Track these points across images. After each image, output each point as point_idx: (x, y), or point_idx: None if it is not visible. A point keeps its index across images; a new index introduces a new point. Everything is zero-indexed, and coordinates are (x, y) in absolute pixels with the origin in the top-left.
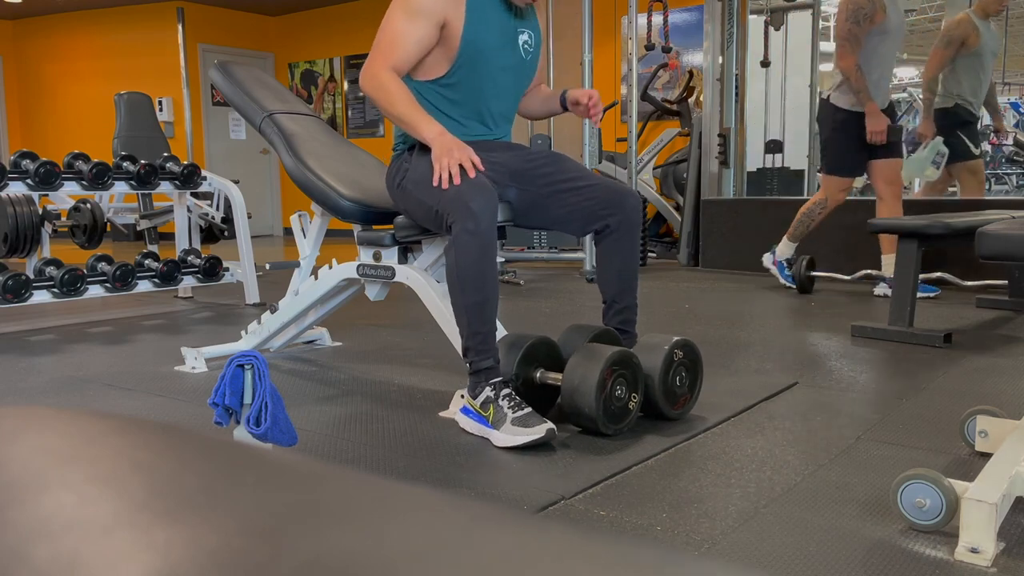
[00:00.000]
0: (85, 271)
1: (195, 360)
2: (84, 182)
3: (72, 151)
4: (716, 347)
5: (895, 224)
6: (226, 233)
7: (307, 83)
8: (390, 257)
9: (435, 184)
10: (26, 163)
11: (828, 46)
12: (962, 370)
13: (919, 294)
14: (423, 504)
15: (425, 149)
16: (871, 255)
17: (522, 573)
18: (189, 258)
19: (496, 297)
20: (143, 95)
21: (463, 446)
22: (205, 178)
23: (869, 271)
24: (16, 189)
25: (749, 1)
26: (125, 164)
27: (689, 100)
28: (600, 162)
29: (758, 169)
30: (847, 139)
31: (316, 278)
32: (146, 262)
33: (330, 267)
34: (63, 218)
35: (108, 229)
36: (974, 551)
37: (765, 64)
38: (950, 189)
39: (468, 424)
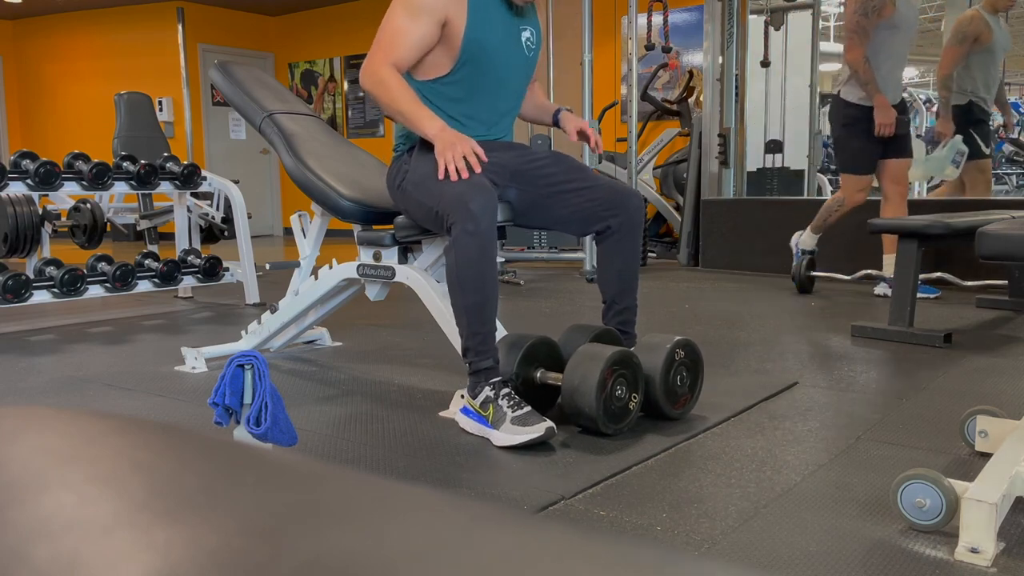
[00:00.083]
0: (85, 271)
1: (195, 360)
2: (84, 182)
3: (72, 151)
4: (716, 347)
5: (895, 224)
6: (226, 233)
7: (307, 83)
8: (390, 257)
9: (440, 177)
10: (26, 163)
11: (828, 46)
12: (962, 370)
13: (919, 295)
14: (423, 504)
15: (425, 150)
16: (871, 255)
17: (522, 573)
18: (189, 258)
19: (496, 297)
20: (143, 95)
21: (463, 446)
22: (205, 178)
23: (869, 271)
24: (16, 189)
25: (749, 1)
26: (125, 164)
27: (689, 100)
28: (600, 162)
29: (758, 169)
30: (858, 134)
31: (316, 278)
32: (146, 262)
33: (330, 267)
34: (63, 218)
35: (108, 229)
36: (974, 551)
37: (765, 64)
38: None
39: (468, 424)
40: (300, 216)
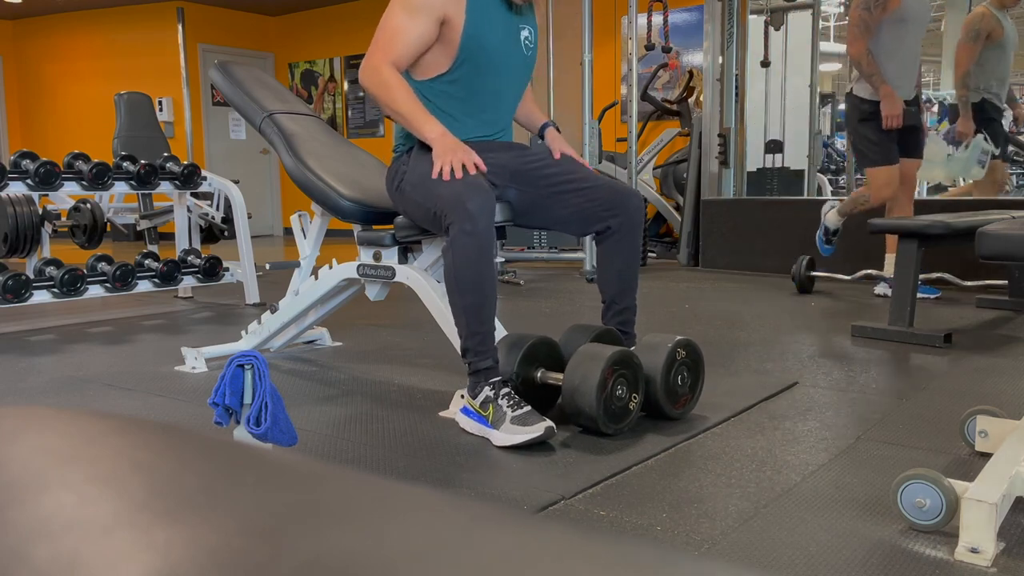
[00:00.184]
0: (85, 271)
1: (195, 360)
2: (84, 182)
3: (72, 151)
4: (716, 347)
5: (895, 224)
6: (226, 233)
7: (307, 83)
8: (390, 257)
9: (434, 176)
10: (26, 163)
11: (828, 46)
12: (962, 370)
13: (919, 295)
14: (423, 504)
15: (423, 151)
16: (871, 255)
17: (522, 573)
18: (189, 258)
19: (494, 298)
20: (143, 95)
21: (463, 446)
22: (205, 178)
23: (869, 271)
24: (16, 189)
25: (749, 1)
26: (125, 164)
27: (689, 100)
28: (600, 162)
29: (758, 169)
30: (876, 127)
31: (316, 278)
32: (146, 262)
33: (330, 267)
34: (63, 218)
35: (108, 229)
36: (974, 551)
37: (765, 64)
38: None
39: (468, 424)
40: (300, 216)
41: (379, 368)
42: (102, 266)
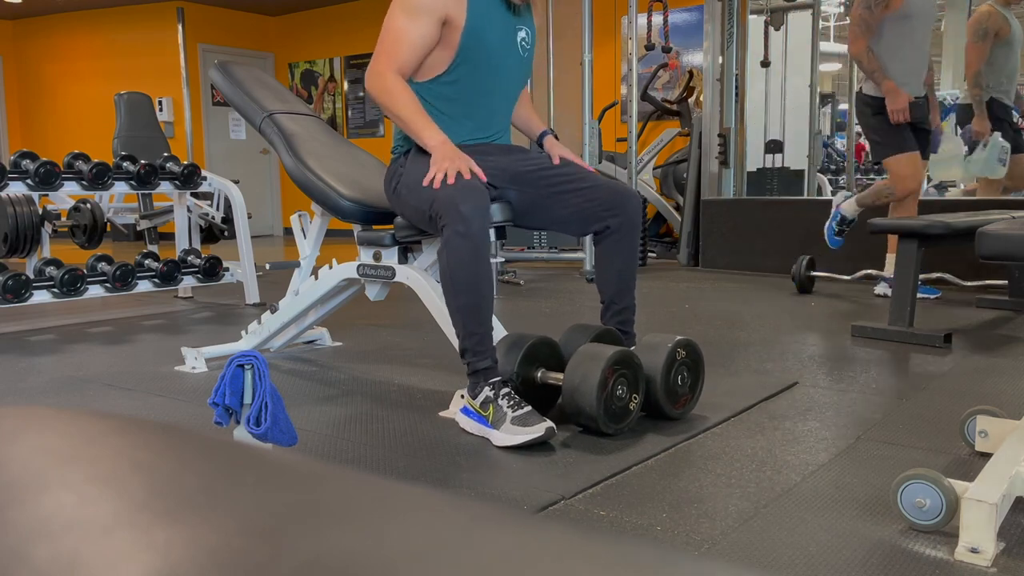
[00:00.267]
0: (85, 271)
1: (195, 360)
2: (84, 182)
3: (72, 151)
4: (716, 347)
5: (895, 224)
6: (226, 233)
7: (307, 83)
8: (390, 257)
9: (425, 184)
10: (26, 163)
11: (828, 46)
12: (962, 370)
13: (919, 296)
14: (423, 504)
15: (420, 153)
16: (871, 255)
17: (522, 573)
18: (189, 258)
19: (491, 298)
20: (143, 95)
21: (463, 446)
22: (205, 178)
23: (869, 271)
24: (16, 189)
25: (749, 1)
26: (125, 164)
27: (689, 100)
28: (600, 162)
29: (758, 169)
30: (886, 119)
31: (316, 278)
32: (146, 262)
33: (330, 267)
34: (63, 218)
35: (108, 229)
36: (974, 551)
37: (765, 64)
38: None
39: (468, 424)
40: (300, 216)
41: (379, 368)
42: (102, 266)
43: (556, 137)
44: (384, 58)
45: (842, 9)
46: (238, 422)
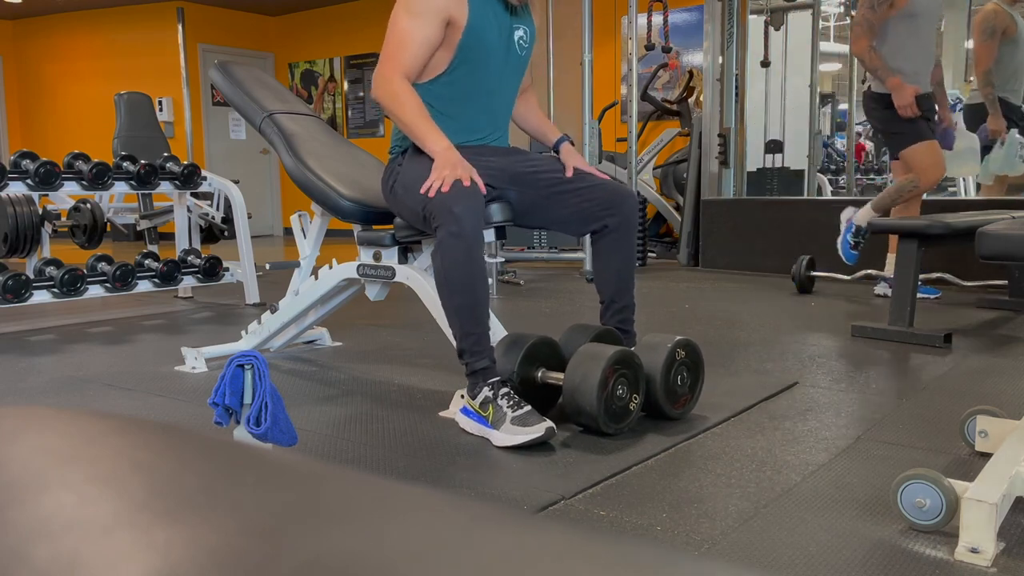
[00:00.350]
0: (85, 271)
1: (195, 360)
2: (84, 182)
3: (72, 151)
4: (716, 347)
5: (895, 224)
6: (226, 233)
7: (307, 83)
8: (390, 257)
9: (422, 191)
10: (26, 163)
11: (828, 46)
12: (962, 370)
13: (919, 296)
14: (423, 504)
15: (417, 154)
16: (872, 255)
17: (522, 573)
18: (189, 258)
19: (487, 298)
20: (143, 95)
21: (463, 446)
22: (205, 178)
23: (869, 271)
24: (16, 189)
25: (749, 1)
26: (125, 164)
27: (689, 100)
28: (600, 162)
29: (758, 169)
30: (896, 113)
31: (316, 278)
32: (146, 262)
33: (330, 267)
34: (63, 218)
35: (108, 229)
36: (974, 551)
37: (765, 64)
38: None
39: (468, 424)
40: (300, 216)
41: (379, 368)
42: (102, 266)
43: (572, 143)
44: (390, 63)
45: (842, 9)
46: (238, 422)
